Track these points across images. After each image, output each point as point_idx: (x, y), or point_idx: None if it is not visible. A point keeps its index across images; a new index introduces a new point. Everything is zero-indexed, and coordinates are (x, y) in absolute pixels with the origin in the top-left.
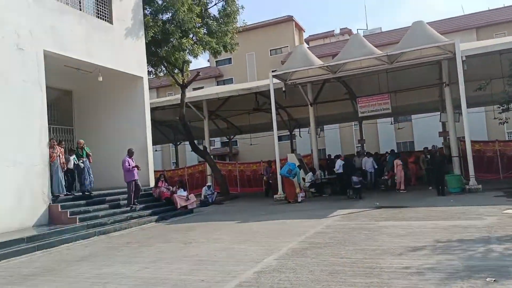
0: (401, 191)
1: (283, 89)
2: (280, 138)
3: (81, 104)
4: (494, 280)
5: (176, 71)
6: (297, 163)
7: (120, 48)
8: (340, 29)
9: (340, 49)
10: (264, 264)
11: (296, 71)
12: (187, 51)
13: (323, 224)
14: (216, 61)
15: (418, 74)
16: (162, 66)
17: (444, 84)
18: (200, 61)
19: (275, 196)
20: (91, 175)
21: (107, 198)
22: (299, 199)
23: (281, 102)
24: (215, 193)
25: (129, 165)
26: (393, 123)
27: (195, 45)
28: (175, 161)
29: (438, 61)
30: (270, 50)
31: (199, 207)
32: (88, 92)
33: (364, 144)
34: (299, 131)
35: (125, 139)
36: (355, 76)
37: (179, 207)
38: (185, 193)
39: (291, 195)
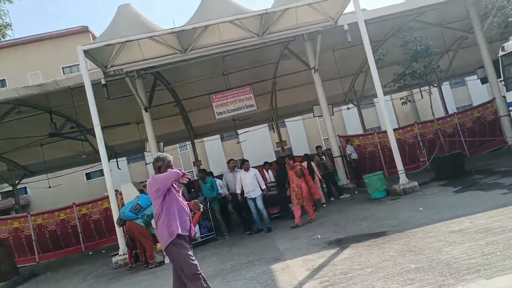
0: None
1: (103, 82)
2: (89, 176)
3: None
4: None
5: None
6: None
7: None
8: None
9: None
10: None
11: (128, 41)
12: None
13: None
14: None
15: (254, 74)
16: None
17: (314, 70)
18: None
19: (114, 259)
20: None
21: None
22: (167, 260)
23: (86, 122)
24: None
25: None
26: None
27: None
28: None
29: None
30: (63, 68)
31: None
32: None
33: (201, 166)
34: (117, 162)
35: None
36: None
37: None
38: None
39: (149, 252)
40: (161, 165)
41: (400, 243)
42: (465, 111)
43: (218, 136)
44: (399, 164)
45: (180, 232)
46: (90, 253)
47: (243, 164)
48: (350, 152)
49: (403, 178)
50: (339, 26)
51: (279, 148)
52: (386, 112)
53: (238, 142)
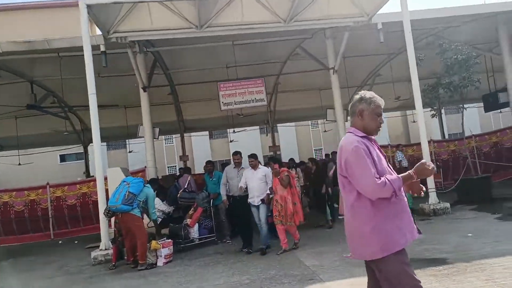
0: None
1: (102, 48)
2: (63, 158)
3: None
4: None
5: None
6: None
7: None
8: None
9: None
10: None
11: (140, 1)
12: None
13: None
14: None
15: (258, 71)
16: None
17: (333, 71)
18: None
19: (93, 253)
20: None
21: None
22: (160, 262)
23: (69, 99)
24: None
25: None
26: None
27: None
28: None
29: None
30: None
31: None
32: None
33: (187, 161)
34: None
35: None
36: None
37: None
38: None
39: (142, 249)
40: (363, 109)
41: (479, 277)
42: (483, 134)
43: (206, 132)
44: (430, 180)
45: (403, 247)
46: (60, 242)
47: (249, 159)
48: (400, 159)
49: (433, 197)
50: (372, 24)
51: (271, 153)
52: (423, 126)
53: (231, 141)
